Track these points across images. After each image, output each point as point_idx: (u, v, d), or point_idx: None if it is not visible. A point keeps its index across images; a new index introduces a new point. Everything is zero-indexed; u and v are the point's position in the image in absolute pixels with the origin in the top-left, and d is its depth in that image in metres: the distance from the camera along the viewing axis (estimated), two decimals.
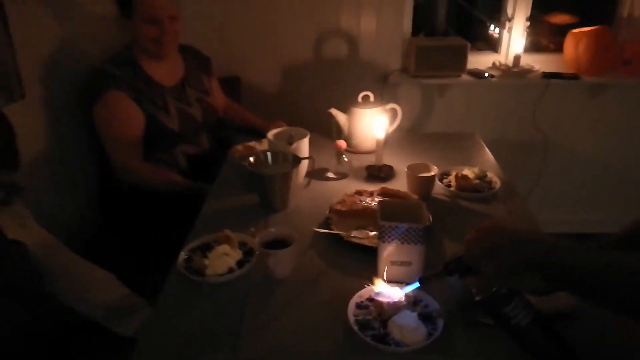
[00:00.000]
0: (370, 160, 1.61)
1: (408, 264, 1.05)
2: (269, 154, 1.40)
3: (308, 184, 1.46)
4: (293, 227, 1.13)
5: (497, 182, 1.46)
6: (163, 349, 0.95)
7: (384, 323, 0.96)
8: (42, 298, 1.08)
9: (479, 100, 2.36)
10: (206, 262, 1.11)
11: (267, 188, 1.34)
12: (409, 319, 0.95)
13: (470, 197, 1.42)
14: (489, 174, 1.50)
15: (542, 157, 2.44)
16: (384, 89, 2.27)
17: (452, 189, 1.44)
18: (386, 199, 1.33)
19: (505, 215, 1.34)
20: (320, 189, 1.49)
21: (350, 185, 1.47)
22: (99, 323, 1.10)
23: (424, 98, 2.37)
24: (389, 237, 1.03)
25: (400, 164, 1.57)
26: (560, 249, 0.77)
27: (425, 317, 0.97)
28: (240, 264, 1.13)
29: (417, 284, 0.92)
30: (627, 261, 0.74)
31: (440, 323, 0.95)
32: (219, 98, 1.97)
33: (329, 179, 1.55)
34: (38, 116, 1.59)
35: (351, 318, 0.96)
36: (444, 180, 1.48)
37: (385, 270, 1.06)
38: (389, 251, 1.04)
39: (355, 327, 0.94)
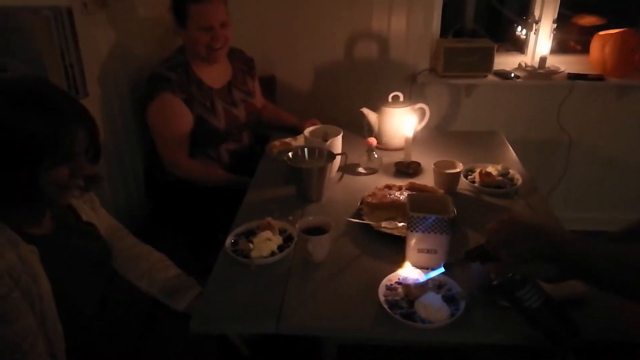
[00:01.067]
0: (399, 156, 1.72)
1: (434, 251, 1.16)
2: (305, 149, 1.53)
3: (341, 177, 1.58)
4: (329, 216, 1.26)
5: (519, 179, 1.56)
6: (215, 319, 1.09)
7: (411, 303, 1.07)
8: (114, 274, 1.23)
9: (505, 100, 2.44)
10: (251, 246, 1.25)
11: (305, 181, 1.46)
12: (434, 299, 1.06)
13: (493, 193, 1.51)
14: (512, 171, 1.59)
15: (565, 156, 2.50)
16: (412, 88, 2.37)
17: (476, 184, 1.54)
18: (414, 192, 1.44)
19: (525, 210, 1.44)
20: (352, 183, 1.61)
21: (380, 180, 1.58)
22: (157, 299, 1.24)
23: (451, 98, 2.45)
24: (418, 227, 1.14)
25: (427, 161, 1.67)
26: (572, 242, 0.88)
27: (449, 299, 1.08)
28: (280, 248, 1.26)
29: (441, 269, 1.04)
30: (634, 251, 0.84)
31: (462, 304, 1.06)
32: (259, 98, 2.10)
33: (360, 173, 1.66)
34: (97, 113, 1.75)
35: (382, 298, 1.08)
36: (469, 177, 1.58)
37: (413, 256, 1.17)
38: (416, 240, 1.15)
39: (386, 306, 1.06)
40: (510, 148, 1.84)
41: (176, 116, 1.74)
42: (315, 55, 2.38)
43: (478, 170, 1.58)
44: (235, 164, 1.91)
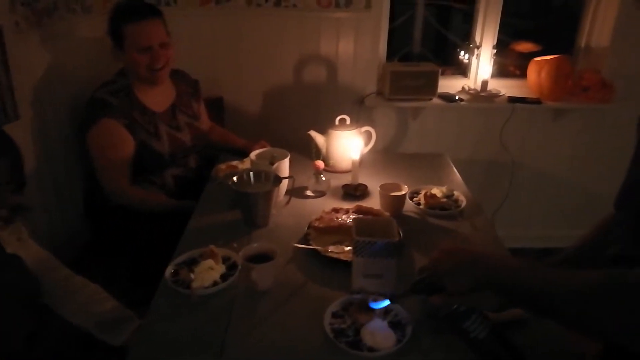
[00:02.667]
0: (347, 179, 1.71)
1: (380, 276, 1.15)
2: (251, 173, 1.50)
3: (288, 201, 1.56)
4: (274, 242, 1.23)
5: (463, 201, 1.58)
6: (154, 354, 1.03)
7: (357, 330, 1.05)
8: (44, 309, 1.15)
9: (450, 122, 2.51)
10: (192, 275, 1.20)
11: (250, 205, 1.43)
12: (380, 326, 1.05)
13: (438, 215, 1.53)
14: (456, 193, 1.62)
15: (509, 176, 2.59)
16: (360, 111, 2.40)
17: (421, 206, 1.55)
18: (361, 216, 1.43)
19: (470, 232, 1.46)
20: (300, 207, 1.59)
21: (328, 203, 1.57)
22: (92, 334, 1.17)
23: (398, 120, 2.50)
24: (363, 251, 1.13)
25: (374, 183, 1.68)
26: (502, 270, 0.87)
27: (395, 325, 1.07)
28: (224, 277, 1.21)
29: (387, 301, 1.02)
30: (573, 281, 0.80)
31: (409, 330, 1.05)
32: (206, 121, 2.05)
33: (308, 197, 1.65)
34: (31, 137, 1.66)
35: (327, 326, 1.06)
36: (414, 199, 1.60)
37: (358, 281, 1.16)
38: (362, 265, 1.14)
39: (331, 335, 1.03)
40: (455, 170, 1.88)
41: (117, 142, 1.67)
42: (263, 77, 2.37)
43: (423, 192, 1.60)
44: (181, 189, 1.85)
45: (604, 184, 2.29)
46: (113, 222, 1.77)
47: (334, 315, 1.09)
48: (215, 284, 1.19)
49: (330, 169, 1.80)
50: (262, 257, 1.18)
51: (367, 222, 1.22)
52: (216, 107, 2.31)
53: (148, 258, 1.45)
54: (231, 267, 1.25)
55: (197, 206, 1.59)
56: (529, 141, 2.55)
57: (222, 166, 1.76)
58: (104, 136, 1.67)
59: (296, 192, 1.65)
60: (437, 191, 1.60)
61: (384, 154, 2.10)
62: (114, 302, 1.24)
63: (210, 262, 1.24)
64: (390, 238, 1.13)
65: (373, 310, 1.08)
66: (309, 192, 1.66)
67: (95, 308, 1.20)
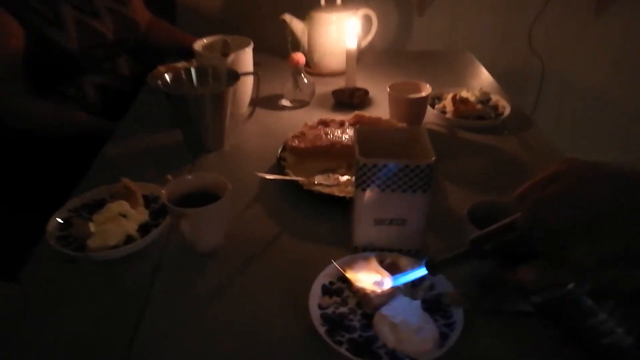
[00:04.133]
0: (338, 84, 1.21)
1: (401, 222, 0.68)
2: (192, 70, 0.98)
3: (251, 114, 1.06)
4: (230, 174, 0.74)
5: (505, 107, 1.10)
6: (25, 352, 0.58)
7: (366, 319, 0.60)
8: None
9: (464, 19, 1.96)
10: (91, 227, 0.72)
11: (192, 117, 0.93)
12: (408, 311, 0.59)
13: (473, 127, 1.05)
14: (494, 97, 1.14)
15: (537, 86, 2.09)
16: None
17: (448, 115, 1.07)
18: (365, 127, 0.94)
19: (521, 151, 0.99)
20: (270, 122, 1.10)
21: (312, 116, 1.07)
22: None
23: (400, 15, 1.95)
24: (373, 181, 0.65)
25: (377, 89, 1.19)
26: None
27: (433, 306, 0.61)
28: (144, 230, 0.74)
29: (422, 269, 0.55)
30: None
31: (458, 314, 0.59)
32: (141, 11, 1.50)
33: (282, 108, 1.15)
34: None
35: (315, 312, 0.60)
36: (437, 106, 1.11)
37: (364, 232, 0.69)
38: (372, 204, 0.67)
39: (322, 329, 0.58)
40: (485, 70, 1.38)
41: None
42: None
43: (450, 96, 1.11)
44: (110, 105, 1.33)
45: None
46: (10, 154, 1.26)
47: (326, 291, 0.64)
48: (129, 241, 0.72)
49: (313, 71, 1.28)
50: (202, 197, 0.70)
51: (379, 134, 0.74)
52: (166, 1, 1.76)
53: (43, 203, 0.95)
54: (158, 213, 0.78)
55: (120, 124, 1.10)
56: (564, 42, 2.03)
57: (162, 68, 1.24)
58: None
59: (265, 102, 1.15)
60: (468, 94, 1.11)
61: (386, 53, 1.58)
62: None
63: (122, 205, 0.76)
64: (419, 158, 0.65)
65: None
66: (283, 102, 1.17)
67: None
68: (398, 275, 0.59)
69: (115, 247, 0.71)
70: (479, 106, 1.08)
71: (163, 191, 0.70)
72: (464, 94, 1.11)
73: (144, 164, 0.94)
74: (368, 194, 0.66)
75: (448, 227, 0.76)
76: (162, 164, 0.93)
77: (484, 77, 1.34)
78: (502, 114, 1.09)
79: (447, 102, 1.11)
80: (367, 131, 0.71)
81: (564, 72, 2.07)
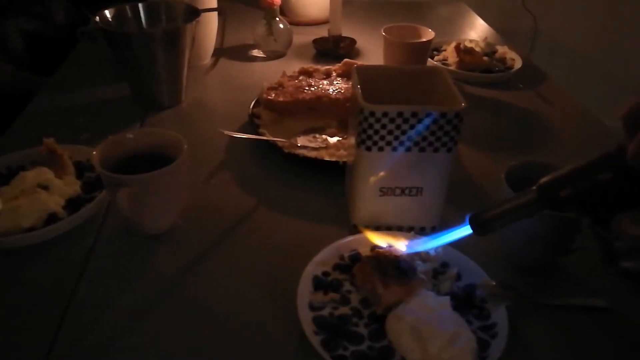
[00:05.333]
0: (319, 33, 1.03)
1: (416, 191, 0.52)
2: (140, 6, 0.78)
3: (215, 63, 0.87)
4: (190, 136, 0.56)
5: (514, 60, 0.95)
6: None
7: (379, 322, 0.44)
8: None
9: None
10: None
11: (141, 64, 0.74)
12: (435, 312, 0.43)
13: (481, 80, 0.90)
14: (500, 49, 0.98)
15: (527, 44, 1.94)
16: None
17: (451, 67, 0.91)
18: (364, 65, 0.77)
19: (538, 106, 0.84)
20: (239, 74, 0.91)
21: (290, 68, 0.88)
22: None
23: None
24: (381, 136, 0.48)
25: (365, 38, 1.01)
26: None
27: (462, 303, 0.46)
28: (75, 205, 0.56)
29: (466, 227, 0.39)
30: None
31: (498, 314, 0.44)
32: None
33: (254, 59, 0.96)
34: None
35: (305, 315, 0.44)
36: (436, 57, 0.95)
37: (366, 205, 0.53)
38: (377, 167, 0.50)
39: (316, 339, 0.41)
40: (483, 22, 1.22)
41: None
42: None
43: (452, 45, 0.94)
44: (41, 57, 1.11)
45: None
46: None
47: (319, 284, 0.47)
48: (51, 220, 0.53)
49: (290, 20, 1.09)
50: (148, 161, 0.51)
51: (382, 75, 0.56)
52: None
53: None
54: (95, 185, 0.59)
55: (54, 76, 0.89)
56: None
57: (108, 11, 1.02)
58: None
59: (232, 52, 0.96)
60: (473, 44, 0.95)
61: (370, 4, 1.39)
62: None
63: (42, 173, 0.57)
64: (441, 104, 0.49)
65: (410, 267, 0.46)
66: (255, 52, 0.98)
67: None
68: (432, 236, 0.43)
69: (31, 229, 0.52)
70: (485, 58, 0.93)
71: (94, 152, 0.51)
72: (468, 43, 0.95)
73: (80, 124, 0.74)
74: (373, 154, 0.49)
75: (467, 197, 0.60)
76: (103, 124, 0.74)
77: (482, 29, 1.18)
78: (511, 67, 0.93)
79: (449, 53, 0.94)
80: (369, 71, 0.54)
81: (555, 31, 1.92)
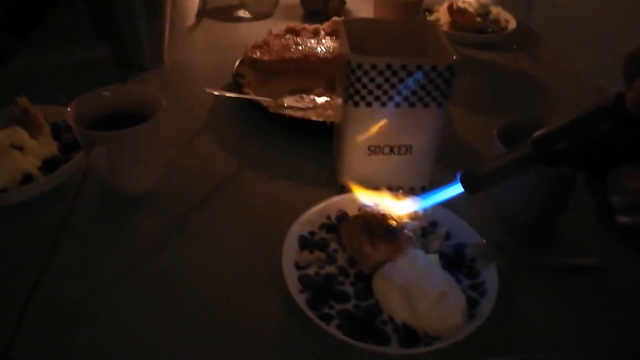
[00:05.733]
0: None
1: (405, 149, 0.50)
2: None
3: (198, 22, 0.84)
4: (173, 96, 0.53)
5: (508, 21, 0.92)
6: None
7: (365, 280, 0.42)
8: None
9: None
10: None
11: (121, 23, 0.70)
12: (424, 270, 0.42)
13: (474, 42, 0.87)
14: (494, 9, 0.95)
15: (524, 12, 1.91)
16: None
17: (444, 28, 0.88)
18: (352, 19, 0.74)
19: (534, 69, 0.82)
20: (223, 34, 0.88)
21: (277, 28, 0.85)
22: None
23: None
24: (370, 91, 0.46)
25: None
26: None
27: (452, 262, 0.45)
28: (51, 166, 0.53)
29: (457, 186, 0.38)
30: None
31: (488, 273, 0.43)
32: None
33: (240, 19, 0.93)
34: None
35: (291, 274, 0.42)
36: (429, 17, 0.92)
37: (355, 165, 0.51)
38: (366, 125, 0.48)
39: (301, 298, 0.40)
40: None
41: None
42: None
43: (445, 5, 0.91)
44: (15, 17, 1.07)
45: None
46: None
47: (305, 244, 0.45)
48: (26, 181, 0.51)
49: None
50: (126, 119, 0.49)
51: (371, 28, 0.53)
52: None
53: None
54: (72, 146, 0.57)
55: (30, 36, 0.85)
56: None
57: None
58: None
59: (217, 13, 0.93)
60: (466, 4, 0.92)
61: None
62: None
63: (15, 134, 0.55)
64: (432, 57, 0.47)
65: (398, 226, 0.44)
66: (241, 13, 0.94)
67: None
68: (422, 196, 0.42)
69: (4, 190, 0.50)
70: (479, 19, 0.90)
71: (68, 109, 0.48)
72: (461, 4, 0.92)
73: (57, 85, 0.71)
74: (361, 110, 0.47)
75: (458, 158, 0.59)
76: (81, 85, 0.70)
77: None
78: (505, 28, 0.90)
79: (442, 14, 0.91)
80: (358, 24, 0.51)
81: None
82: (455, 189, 0.38)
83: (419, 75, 0.45)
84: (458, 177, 0.37)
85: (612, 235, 0.46)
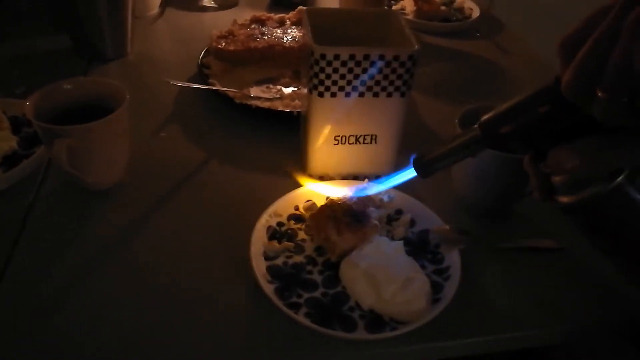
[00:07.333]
0: None
1: (370, 138, 0.51)
2: None
3: (162, 12, 0.82)
4: (137, 88, 0.52)
5: (472, 9, 0.94)
6: None
7: (333, 269, 0.43)
8: None
9: None
10: None
11: (81, 12, 0.68)
12: (389, 257, 0.43)
13: (439, 30, 0.88)
14: None
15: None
16: None
17: (409, 17, 0.89)
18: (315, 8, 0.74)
19: (497, 56, 0.83)
20: (188, 24, 0.86)
21: (242, 17, 0.84)
22: None
23: None
24: (334, 81, 0.46)
25: None
26: None
27: (417, 248, 0.46)
28: (11, 161, 0.52)
29: (410, 171, 0.39)
30: None
31: (451, 257, 0.44)
32: None
33: (205, 9, 0.92)
34: None
35: (259, 264, 0.43)
36: (394, 7, 0.93)
37: (318, 155, 0.51)
38: (331, 114, 0.49)
39: (270, 287, 0.41)
40: None
41: None
42: None
43: None
44: None
45: None
46: None
47: (274, 234, 0.46)
48: None
49: None
50: (88, 113, 0.48)
51: (334, 18, 0.54)
52: None
53: None
54: (33, 140, 0.55)
55: None
56: None
57: None
58: None
59: (181, 1, 0.92)
60: None
61: None
62: None
63: None
64: (397, 47, 0.47)
65: (364, 214, 0.45)
66: (206, 2, 0.93)
67: None
68: (378, 180, 0.43)
69: None
70: (443, 7, 0.91)
71: (28, 103, 0.47)
72: None
73: (15, 76, 0.69)
74: (326, 100, 0.47)
75: (422, 146, 0.60)
76: (41, 77, 0.68)
77: None
78: (469, 16, 0.92)
79: (407, 3, 0.92)
80: (320, 14, 0.52)
81: None
82: (409, 173, 0.39)
83: (380, 64, 0.45)
84: (411, 161, 0.38)
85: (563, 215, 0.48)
